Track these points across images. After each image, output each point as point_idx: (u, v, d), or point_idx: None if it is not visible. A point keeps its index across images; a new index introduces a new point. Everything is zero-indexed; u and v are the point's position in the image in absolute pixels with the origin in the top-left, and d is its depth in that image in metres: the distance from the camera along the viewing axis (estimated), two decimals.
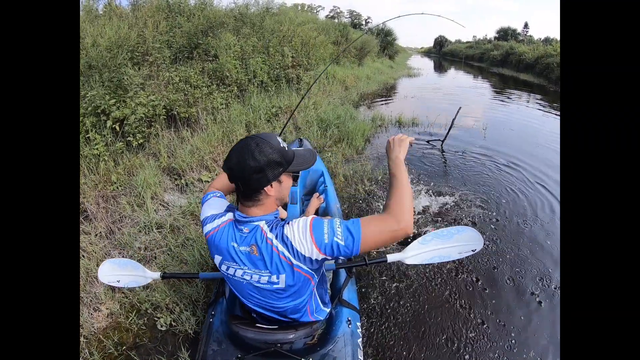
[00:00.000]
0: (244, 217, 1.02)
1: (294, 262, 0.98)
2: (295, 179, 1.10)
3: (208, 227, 1.09)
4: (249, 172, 0.94)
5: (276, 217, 1.05)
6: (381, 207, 2.89)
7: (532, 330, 1.81)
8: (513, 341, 1.74)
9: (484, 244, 1.74)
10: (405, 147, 1.12)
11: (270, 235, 0.99)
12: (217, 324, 1.23)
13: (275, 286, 1.04)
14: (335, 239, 0.92)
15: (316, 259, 0.97)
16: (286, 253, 0.97)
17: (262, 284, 1.05)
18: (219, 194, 1.22)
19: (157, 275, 1.76)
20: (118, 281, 1.77)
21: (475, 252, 1.62)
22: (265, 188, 0.97)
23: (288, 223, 1.00)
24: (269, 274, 1.01)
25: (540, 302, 1.97)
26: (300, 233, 0.95)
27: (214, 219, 1.09)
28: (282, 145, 1.00)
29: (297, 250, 0.96)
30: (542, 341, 1.75)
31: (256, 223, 1.01)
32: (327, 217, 1.00)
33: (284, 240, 0.97)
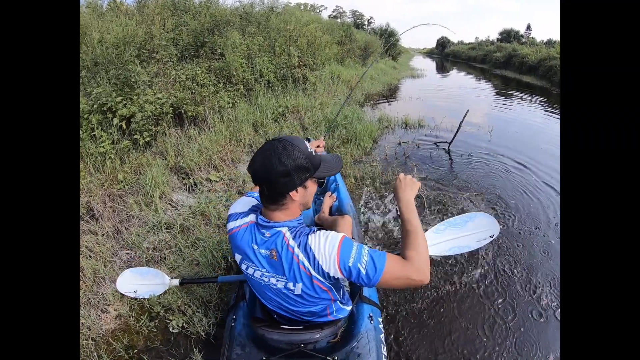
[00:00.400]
0: (266, 221, 1.00)
1: (313, 273, 0.96)
2: (320, 184, 1.08)
3: (231, 225, 1.09)
4: (276, 176, 0.92)
5: (300, 224, 1.03)
6: (391, 211, 2.86)
7: (550, 336, 1.78)
8: (528, 343, 1.73)
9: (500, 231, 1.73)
10: (416, 190, 1.13)
11: (292, 242, 0.96)
12: (239, 327, 1.21)
13: (290, 292, 1.03)
14: (359, 265, 0.91)
15: (334, 276, 0.95)
16: (306, 263, 0.95)
17: (279, 288, 1.03)
18: (256, 194, 1.19)
19: (176, 282, 1.75)
20: (135, 291, 1.76)
21: (494, 237, 1.61)
22: (290, 193, 0.95)
23: (313, 232, 0.97)
24: (286, 280, 1.00)
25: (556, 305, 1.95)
26: (327, 248, 0.93)
27: (237, 218, 1.09)
28: (309, 150, 0.97)
29: (318, 263, 0.94)
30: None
31: (278, 229, 0.99)
32: (355, 241, 0.99)
33: (307, 250, 0.94)
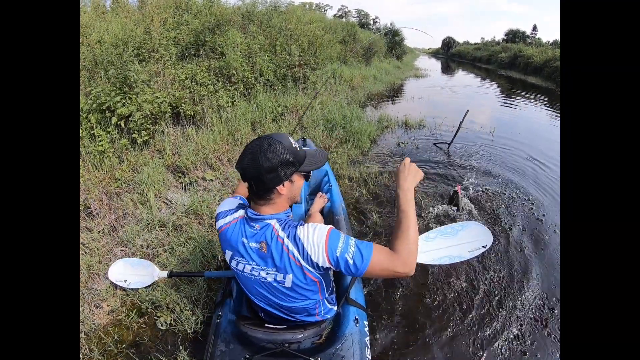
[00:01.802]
0: (256, 214, 1.04)
1: (303, 263, 0.98)
2: (306, 178, 1.11)
3: (220, 222, 1.12)
4: (262, 172, 0.96)
5: (288, 216, 1.07)
6: (383, 213, 2.86)
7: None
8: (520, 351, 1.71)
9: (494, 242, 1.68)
10: (418, 180, 1.10)
11: (282, 234, 1.00)
12: (224, 324, 1.23)
13: (281, 285, 1.05)
14: (346, 255, 0.94)
15: (322, 266, 0.98)
16: (296, 254, 0.98)
17: (269, 282, 1.06)
18: (238, 197, 1.22)
19: (164, 273, 1.82)
20: (125, 281, 1.83)
21: (487, 248, 1.59)
22: (277, 187, 0.99)
23: (302, 225, 1.01)
24: (276, 272, 1.02)
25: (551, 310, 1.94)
26: (315, 238, 0.96)
27: (227, 215, 1.12)
28: (294, 145, 1.02)
29: (307, 253, 0.97)
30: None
31: (268, 221, 1.02)
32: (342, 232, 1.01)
33: (296, 241, 0.98)
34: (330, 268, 0.99)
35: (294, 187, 1.05)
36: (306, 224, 1.00)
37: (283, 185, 1.00)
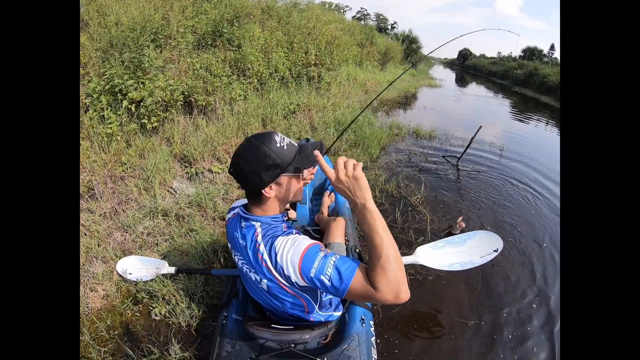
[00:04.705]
0: (245, 213, 1.04)
1: (277, 276, 0.95)
2: (300, 177, 1.02)
3: (227, 216, 1.17)
4: (244, 175, 0.95)
5: (275, 220, 1.04)
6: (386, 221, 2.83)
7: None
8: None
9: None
10: (365, 183, 0.85)
11: (260, 239, 0.99)
12: (230, 325, 1.22)
13: (259, 286, 1.04)
14: (322, 277, 0.86)
15: (297, 283, 0.93)
16: (269, 263, 0.95)
17: (253, 279, 1.06)
18: None
19: (172, 269, 1.85)
20: (130, 273, 1.82)
21: (499, 252, 1.61)
22: (263, 190, 0.97)
23: (284, 235, 0.98)
24: (255, 273, 1.02)
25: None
26: (290, 254, 0.91)
27: (232, 210, 1.16)
28: (279, 145, 0.96)
29: (281, 267, 0.93)
30: None
31: (253, 222, 1.02)
32: (325, 250, 0.91)
33: (270, 252, 0.95)
34: (307, 286, 0.93)
35: (283, 188, 1.00)
36: (287, 236, 0.95)
37: (270, 187, 0.97)
